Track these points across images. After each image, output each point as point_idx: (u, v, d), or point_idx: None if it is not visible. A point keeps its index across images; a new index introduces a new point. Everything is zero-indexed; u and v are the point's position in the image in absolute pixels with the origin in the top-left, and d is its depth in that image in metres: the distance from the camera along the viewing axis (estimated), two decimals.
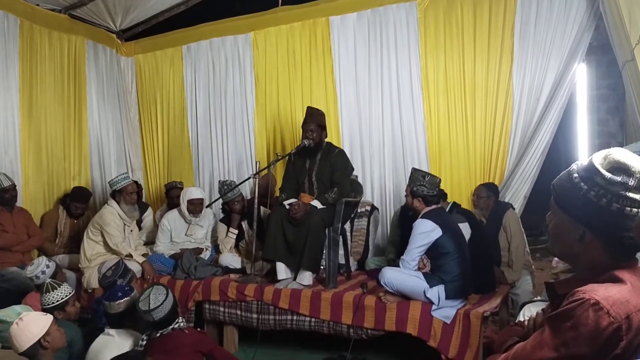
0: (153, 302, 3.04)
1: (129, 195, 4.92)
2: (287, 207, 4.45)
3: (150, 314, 3.01)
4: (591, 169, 1.37)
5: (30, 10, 5.36)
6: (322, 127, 4.65)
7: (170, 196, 5.89)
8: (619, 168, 1.33)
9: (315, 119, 4.64)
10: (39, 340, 2.74)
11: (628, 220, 1.32)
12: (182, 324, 3.11)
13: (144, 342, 3.06)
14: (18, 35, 5.19)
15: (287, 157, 4.91)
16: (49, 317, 2.89)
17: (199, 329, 3.34)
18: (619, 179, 1.32)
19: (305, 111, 4.77)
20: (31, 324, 2.77)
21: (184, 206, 5.15)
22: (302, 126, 4.69)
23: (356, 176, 5.20)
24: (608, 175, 1.33)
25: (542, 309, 1.70)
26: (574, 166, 1.44)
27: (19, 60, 5.21)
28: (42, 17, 5.50)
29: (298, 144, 4.75)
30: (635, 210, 1.31)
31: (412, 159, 5.38)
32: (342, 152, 4.78)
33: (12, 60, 5.15)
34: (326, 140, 4.80)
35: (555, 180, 1.48)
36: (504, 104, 5.06)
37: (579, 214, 1.39)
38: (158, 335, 3.05)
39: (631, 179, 1.31)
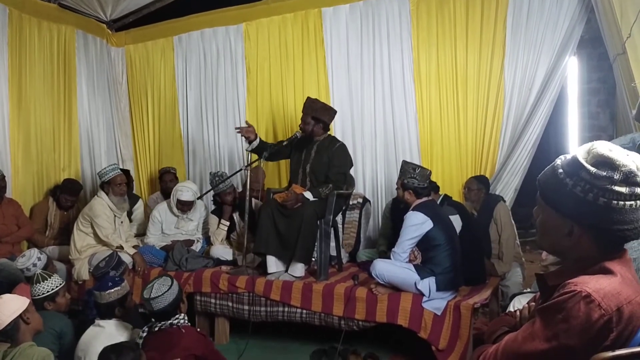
0: (155, 291, 3.00)
1: (118, 186, 4.86)
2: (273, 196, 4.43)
3: (150, 302, 2.98)
4: (575, 164, 1.36)
5: (20, 0, 5.29)
6: (317, 119, 4.59)
7: (164, 180, 5.89)
8: (603, 162, 1.33)
9: (307, 110, 4.61)
10: (20, 314, 2.70)
11: (615, 214, 1.32)
12: (182, 321, 3.05)
13: (144, 334, 3.02)
14: (7, 24, 5.12)
15: (290, 150, 4.85)
16: (27, 299, 2.87)
17: (198, 329, 3.28)
18: (604, 173, 1.32)
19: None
20: (11, 301, 2.75)
21: (173, 203, 5.12)
22: None
23: None
24: (593, 170, 1.33)
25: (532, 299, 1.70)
26: (558, 161, 1.43)
27: (8, 50, 5.15)
28: (31, 6, 5.43)
29: (290, 135, 4.72)
30: (622, 203, 1.31)
31: (403, 151, 5.38)
32: (342, 146, 4.66)
33: (0, 50, 5.08)
34: (329, 133, 4.78)
35: (540, 176, 1.48)
36: (496, 97, 5.07)
37: (566, 209, 1.39)
38: (157, 329, 3.01)
39: (616, 173, 1.31)
